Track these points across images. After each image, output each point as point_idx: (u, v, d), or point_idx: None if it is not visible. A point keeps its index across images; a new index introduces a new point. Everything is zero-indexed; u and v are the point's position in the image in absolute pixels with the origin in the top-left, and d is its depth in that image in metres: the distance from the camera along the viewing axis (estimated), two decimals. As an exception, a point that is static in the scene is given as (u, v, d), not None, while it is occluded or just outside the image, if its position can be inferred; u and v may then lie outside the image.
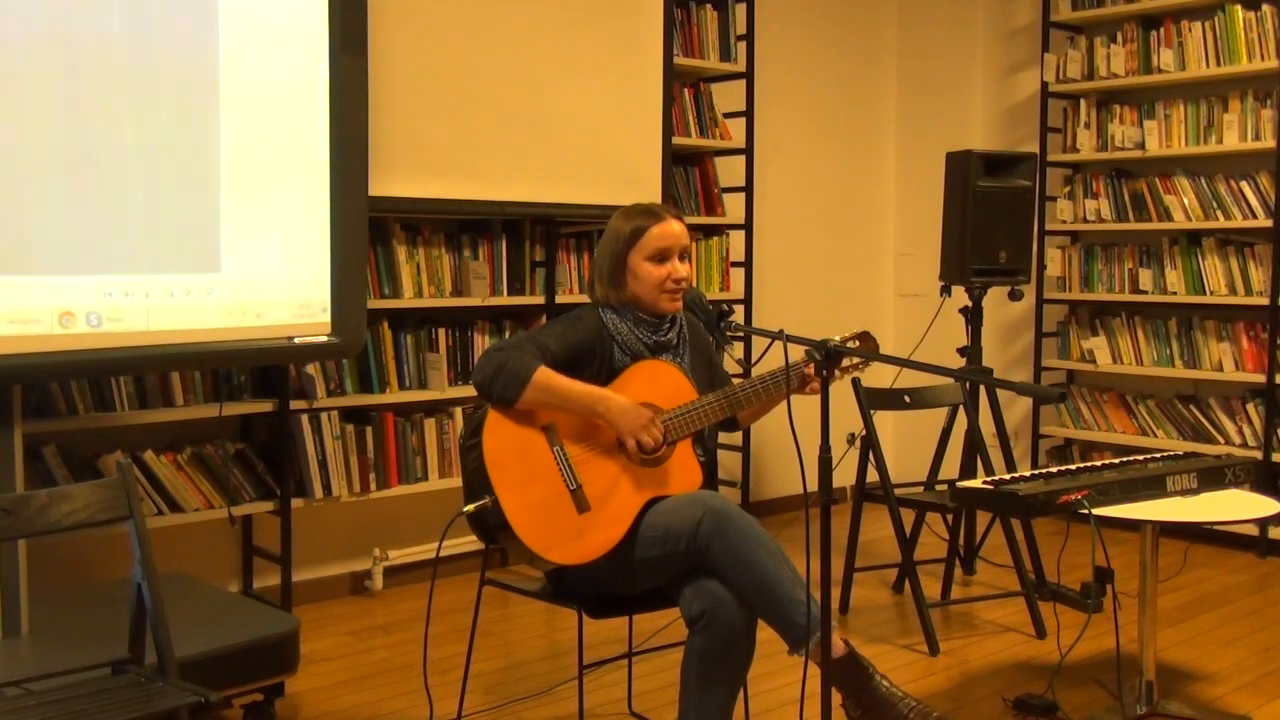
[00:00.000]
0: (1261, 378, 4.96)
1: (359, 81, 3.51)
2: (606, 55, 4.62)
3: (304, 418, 4.15)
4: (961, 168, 4.32)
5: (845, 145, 6.12)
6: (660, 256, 2.77)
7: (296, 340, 3.41)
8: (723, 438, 3.89)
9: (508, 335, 4.65)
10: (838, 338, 2.75)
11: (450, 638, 3.82)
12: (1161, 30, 5.24)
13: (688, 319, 2.92)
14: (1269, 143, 4.95)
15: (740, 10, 5.35)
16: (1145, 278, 5.34)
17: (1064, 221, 5.60)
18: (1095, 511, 2.90)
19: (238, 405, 4.03)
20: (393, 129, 4.02)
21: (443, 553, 4.31)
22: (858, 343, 2.81)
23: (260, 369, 4.07)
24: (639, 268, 2.77)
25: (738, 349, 5.28)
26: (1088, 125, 5.51)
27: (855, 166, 6.17)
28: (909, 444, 5.79)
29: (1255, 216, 4.98)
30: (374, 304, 4.21)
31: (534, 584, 2.86)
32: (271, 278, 3.33)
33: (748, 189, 5.40)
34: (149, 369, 3.66)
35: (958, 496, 3.44)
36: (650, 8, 4.73)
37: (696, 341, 2.93)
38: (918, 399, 4.14)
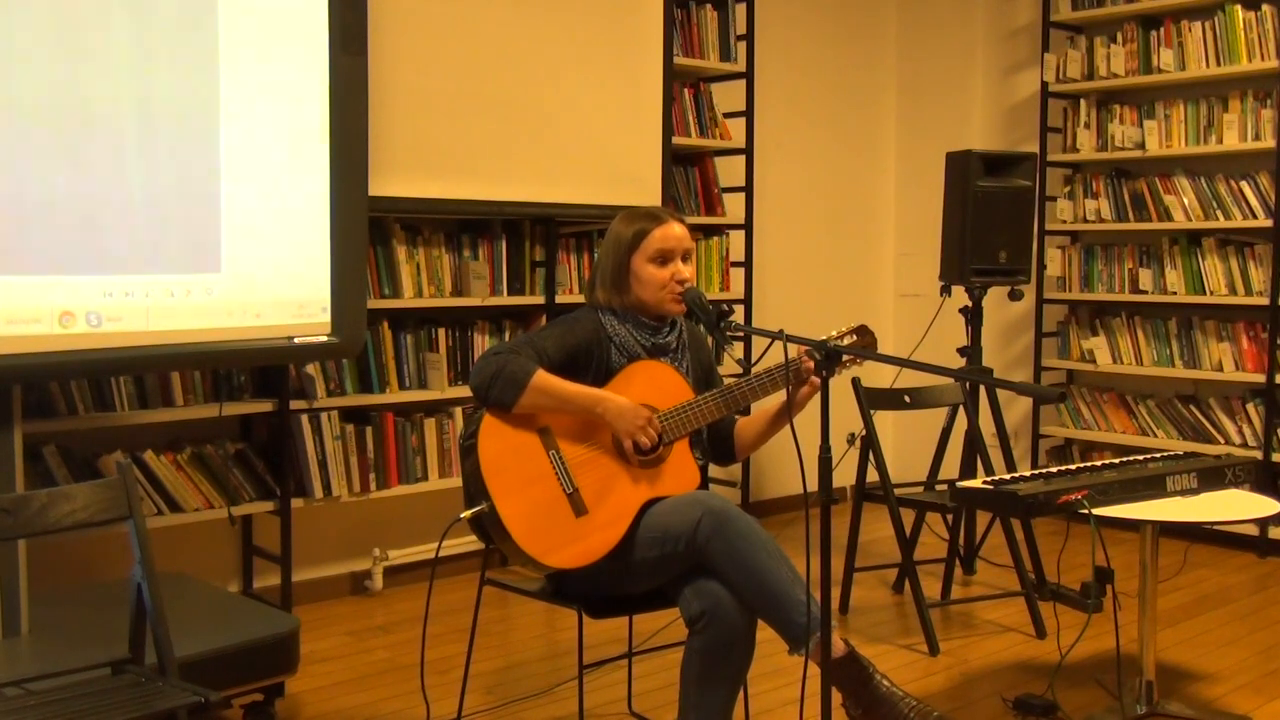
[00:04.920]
0: (1261, 378, 4.96)
1: (359, 81, 3.51)
2: (606, 55, 4.62)
3: (304, 418, 4.15)
4: (961, 168, 4.31)
5: (845, 145, 6.12)
6: (663, 259, 2.76)
7: (296, 340, 3.41)
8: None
9: (507, 335, 4.65)
10: (835, 332, 2.76)
11: (450, 638, 3.82)
12: (1161, 30, 5.24)
13: (689, 327, 2.91)
14: (1269, 143, 4.95)
15: (740, 10, 5.35)
16: (1145, 278, 5.34)
17: (1064, 221, 5.60)
18: (1095, 511, 2.90)
19: (238, 405, 4.03)
20: (393, 129, 4.02)
21: (443, 553, 4.29)
22: (855, 337, 2.81)
23: (260, 369, 4.07)
24: (642, 271, 2.76)
25: (738, 349, 5.28)
26: (1088, 125, 5.51)
27: (855, 166, 6.17)
28: (909, 444, 5.79)
29: (1255, 216, 4.98)
30: (374, 304, 4.21)
31: (534, 584, 2.86)
32: (271, 277, 3.33)
33: (748, 189, 5.40)
34: (149, 369, 3.66)
35: (958, 496, 3.44)
36: (650, 8, 4.73)
37: (697, 350, 2.93)
38: (918, 399, 4.14)
